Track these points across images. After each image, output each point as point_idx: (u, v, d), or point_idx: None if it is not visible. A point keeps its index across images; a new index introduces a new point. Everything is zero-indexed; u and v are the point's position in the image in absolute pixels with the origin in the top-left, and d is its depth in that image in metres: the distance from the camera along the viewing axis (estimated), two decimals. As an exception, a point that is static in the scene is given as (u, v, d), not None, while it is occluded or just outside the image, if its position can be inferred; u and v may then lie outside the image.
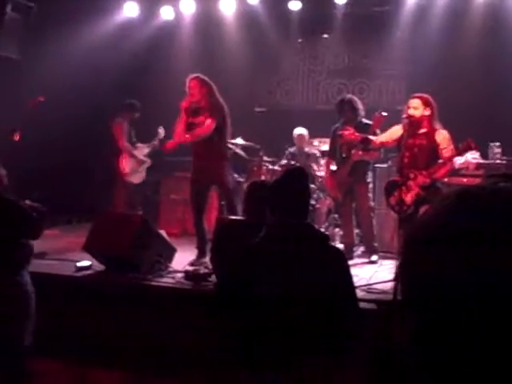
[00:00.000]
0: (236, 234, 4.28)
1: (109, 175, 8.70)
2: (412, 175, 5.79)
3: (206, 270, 5.58)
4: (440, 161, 5.78)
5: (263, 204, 4.16)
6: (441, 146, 5.78)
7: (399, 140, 5.98)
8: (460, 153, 5.74)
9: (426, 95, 5.90)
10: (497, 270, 0.67)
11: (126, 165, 8.19)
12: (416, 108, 5.80)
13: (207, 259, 6.07)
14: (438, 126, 5.87)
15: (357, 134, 6.40)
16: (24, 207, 4.12)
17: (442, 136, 5.80)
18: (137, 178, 8.32)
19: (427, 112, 5.82)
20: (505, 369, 0.67)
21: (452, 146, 5.75)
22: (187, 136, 6.42)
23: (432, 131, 5.83)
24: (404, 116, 5.89)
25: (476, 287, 0.68)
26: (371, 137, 6.38)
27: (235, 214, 6.29)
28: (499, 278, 0.67)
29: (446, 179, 6.13)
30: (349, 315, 2.91)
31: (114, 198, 8.18)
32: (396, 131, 6.08)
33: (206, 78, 6.55)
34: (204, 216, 6.70)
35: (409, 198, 5.77)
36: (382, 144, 6.36)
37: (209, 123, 6.37)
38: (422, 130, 5.86)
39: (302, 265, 2.80)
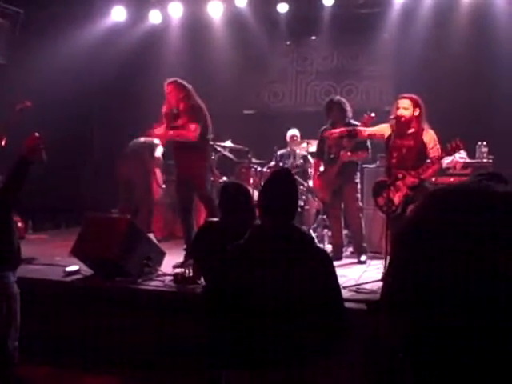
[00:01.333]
0: (215, 236, 4.29)
1: (96, 179, 8.70)
2: (400, 175, 5.80)
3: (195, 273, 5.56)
4: (428, 161, 5.80)
5: (235, 205, 4.19)
6: (428, 146, 5.79)
7: (387, 140, 6.00)
8: (449, 153, 5.75)
9: (415, 96, 5.91)
10: (480, 267, 0.68)
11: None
12: (406, 108, 5.80)
13: None
14: (425, 126, 5.88)
15: (342, 128, 6.43)
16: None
17: (430, 136, 5.81)
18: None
19: (416, 112, 5.82)
20: (494, 369, 0.68)
21: (439, 146, 5.77)
22: (170, 132, 6.49)
23: (420, 131, 5.84)
24: (392, 116, 5.90)
25: (460, 283, 0.69)
26: (360, 127, 6.39)
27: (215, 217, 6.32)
28: (482, 275, 0.68)
29: (433, 179, 6.15)
30: (335, 316, 2.91)
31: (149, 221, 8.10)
32: (384, 128, 6.08)
33: (183, 82, 6.58)
34: (192, 217, 6.72)
35: (397, 198, 5.78)
36: (370, 136, 6.35)
37: (194, 128, 6.39)
38: (411, 131, 5.87)
39: (288, 266, 2.80)
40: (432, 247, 0.72)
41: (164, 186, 8.41)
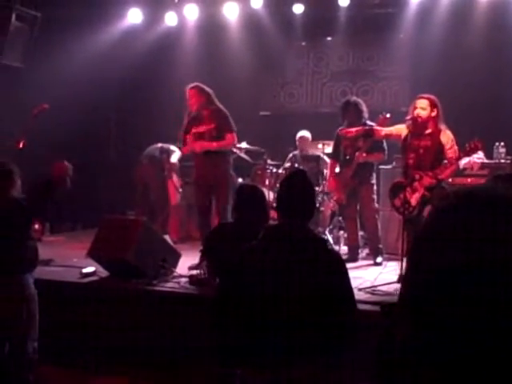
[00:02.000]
0: (227, 238, 4.30)
1: (113, 181, 8.74)
2: (417, 176, 5.77)
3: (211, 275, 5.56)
4: (445, 161, 5.76)
5: (249, 206, 4.20)
6: (446, 147, 5.76)
7: (403, 140, 5.97)
8: (467, 153, 5.71)
9: (432, 96, 5.89)
10: (495, 270, 0.68)
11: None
12: (424, 108, 5.79)
13: None
14: (442, 126, 5.85)
15: (360, 128, 6.41)
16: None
17: (447, 137, 5.79)
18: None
19: (434, 113, 5.80)
20: (502, 369, 0.68)
21: (456, 147, 5.74)
22: (214, 144, 6.51)
23: (437, 132, 5.82)
24: (409, 116, 5.87)
25: (475, 286, 0.69)
26: (376, 127, 6.37)
27: (225, 219, 6.46)
28: (498, 278, 0.68)
29: (450, 180, 6.11)
30: (347, 318, 2.90)
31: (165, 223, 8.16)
32: (401, 128, 6.07)
33: (205, 87, 6.61)
34: (210, 219, 6.74)
35: (414, 199, 5.75)
36: (386, 136, 6.35)
37: (232, 138, 6.58)
38: (428, 131, 5.84)
39: (300, 267, 2.80)
40: (450, 252, 0.72)
41: (181, 189, 8.44)
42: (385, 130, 6.27)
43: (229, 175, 6.75)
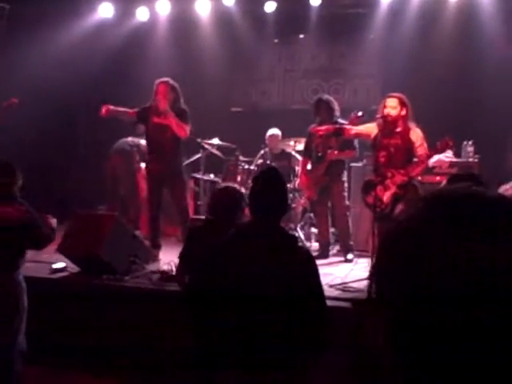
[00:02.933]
0: (203, 234, 4.30)
1: (83, 175, 8.65)
2: (389, 174, 5.84)
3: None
4: (415, 159, 5.84)
5: (230, 208, 4.20)
6: (416, 145, 5.83)
7: (374, 139, 6.03)
8: (438, 151, 5.80)
9: (402, 95, 5.95)
10: (466, 272, 0.69)
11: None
12: (393, 107, 5.84)
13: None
14: (412, 125, 5.93)
15: (330, 126, 6.46)
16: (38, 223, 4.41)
17: (416, 135, 5.86)
18: None
19: (403, 112, 5.86)
20: (481, 369, 0.69)
21: (426, 145, 5.82)
22: (170, 119, 6.48)
23: (407, 130, 5.88)
24: (379, 115, 5.93)
25: (446, 288, 0.70)
26: (346, 126, 6.42)
27: (185, 215, 6.70)
28: (469, 280, 0.69)
29: (420, 177, 6.19)
30: (317, 316, 2.91)
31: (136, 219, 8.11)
32: (371, 127, 6.12)
33: (175, 84, 6.68)
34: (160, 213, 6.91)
35: (386, 196, 5.82)
36: (356, 134, 6.39)
37: (187, 128, 6.57)
38: (397, 129, 5.90)
39: (269, 265, 2.80)
40: (423, 251, 0.72)
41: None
42: (355, 129, 6.31)
43: (182, 171, 6.88)
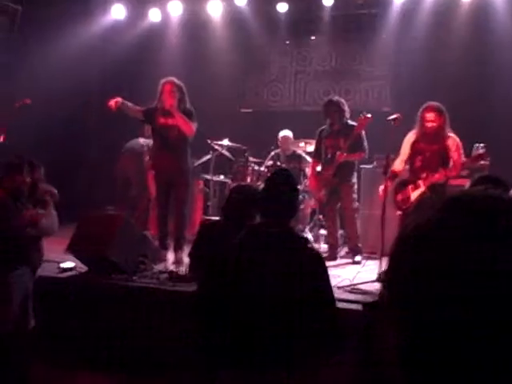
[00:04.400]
0: (216, 236, 4.28)
1: (93, 176, 8.68)
2: (424, 175, 5.96)
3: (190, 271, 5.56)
4: (451, 164, 5.91)
5: (244, 206, 4.18)
6: (451, 151, 5.92)
7: (412, 144, 6.12)
8: (473, 160, 5.85)
9: (438, 104, 6.00)
10: (485, 276, 0.69)
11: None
12: (432, 121, 5.93)
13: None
14: (449, 132, 6.00)
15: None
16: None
17: (452, 141, 5.94)
18: None
19: (441, 121, 5.95)
20: (492, 368, 0.68)
21: (461, 151, 5.87)
22: (177, 117, 6.42)
23: (444, 137, 5.96)
24: (393, 117, 5.99)
25: (461, 293, 0.69)
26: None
27: (182, 219, 6.63)
28: (488, 284, 0.68)
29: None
30: (326, 317, 2.91)
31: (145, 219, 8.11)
32: (409, 138, 6.16)
33: (180, 83, 6.62)
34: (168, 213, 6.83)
35: (414, 196, 5.88)
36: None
37: (194, 127, 6.50)
38: (436, 137, 5.98)
39: (279, 266, 2.80)
40: (440, 251, 0.72)
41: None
42: (397, 167, 6.24)
43: (189, 174, 6.77)
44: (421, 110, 6.03)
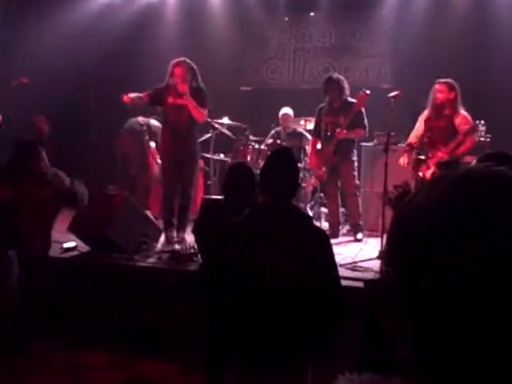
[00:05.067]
0: (217, 215, 4.28)
1: (93, 155, 8.66)
2: (430, 154, 6.03)
3: (192, 250, 5.57)
4: (456, 141, 5.92)
5: (243, 184, 4.18)
6: (460, 124, 5.98)
7: (424, 122, 6.24)
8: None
9: (450, 80, 6.11)
10: (489, 256, 0.69)
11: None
12: (441, 91, 6.04)
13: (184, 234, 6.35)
14: (460, 108, 6.06)
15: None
16: None
17: (462, 119, 6.00)
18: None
19: (451, 95, 6.02)
20: (496, 354, 0.69)
21: (471, 129, 5.88)
22: (188, 103, 6.32)
23: (453, 114, 6.03)
24: (393, 94, 6.05)
25: (465, 273, 0.69)
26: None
27: (186, 202, 6.52)
28: (495, 264, 0.69)
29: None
30: (332, 294, 2.91)
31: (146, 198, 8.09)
32: (423, 115, 6.25)
33: (191, 62, 6.49)
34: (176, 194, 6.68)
35: (428, 175, 5.96)
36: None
37: (205, 112, 6.47)
38: (445, 113, 6.05)
39: (285, 244, 2.80)
40: (442, 229, 0.72)
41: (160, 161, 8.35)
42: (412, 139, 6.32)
43: (197, 157, 6.74)
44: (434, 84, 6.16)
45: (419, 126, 6.29)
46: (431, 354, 0.74)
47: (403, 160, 6.21)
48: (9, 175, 4.97)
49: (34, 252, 5.20)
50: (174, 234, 6.51)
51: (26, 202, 4.89)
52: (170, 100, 6.43)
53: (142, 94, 6.54)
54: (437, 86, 6.09)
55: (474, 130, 5.84)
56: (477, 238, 0.70)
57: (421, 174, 6.06)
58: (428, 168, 6.00)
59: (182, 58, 6.49)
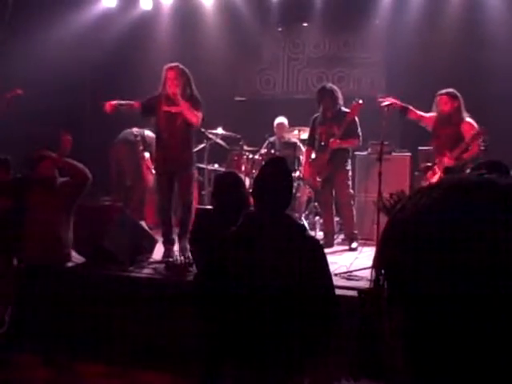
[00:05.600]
0: (211, 224, 4.29)
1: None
2: (437, 160, 6.11)
3: (187, 260, 5.57)
4: (461, 148, 5.97)
5: (231, 194, 4.19)
6: (466, 131, 6.03)
7: (432, 129, 6.32)
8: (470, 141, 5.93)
9: (450, 90, 6.19)
10: (481, 267, 0.69)
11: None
12: (445, 103, 6.13)
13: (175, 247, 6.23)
14: (465, 115, 6.15)
15: (397, 101, 6.37)
16: None
17: (469, 126, 6.05)
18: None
19: (455, 104, 6.12)
20: (492, 365, 0.69)
21: (475, 131, 5.92)
22: (181, 105, 6.15)
23: (460, 121, 6.12)
24: (385, 104, 6.14)
25: (457, 284, 0.70)
26: (411, 108, 6.45)
27: (188, 211, 6.28)
28: (485, 276, 0.69)
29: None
30: (326, 304, 2.92)
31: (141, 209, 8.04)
32: (433, 117, 6.33)
33: (185, 68, 6.38)
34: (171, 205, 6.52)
35: (434, 180, 5.91)
36: (420, 117, 6.42)
37: (199, 115, 6.24)
38: (451, 121, 6.13)
39: (279, 254, 2.81)
40: (433, 238, 0.72)
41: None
42: (419, 113, 6.43)
43: (192, 162, 6.57)
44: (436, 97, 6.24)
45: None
46: (427, 362, 0.74)
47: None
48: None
49: (34, 260, 5.27)
50: (175, 247, 6.30)
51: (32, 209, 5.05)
52: (165, 108, 6.24)
53: (132, 102, 6.44)
54: (439, 99, 6.18)
55: (479, 135, 5.86)
56: (464, 247, 0.70)
57: (423, 183, 6.08)
58: (434, 174, 6.07)
59: (176, 63, 6.38)
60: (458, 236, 0.71)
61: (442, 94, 6.19)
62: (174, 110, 6.21)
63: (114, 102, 6.36)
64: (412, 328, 0.75)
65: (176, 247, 6.29)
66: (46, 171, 5.22)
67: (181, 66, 6.36)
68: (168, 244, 6.30)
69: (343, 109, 6.85)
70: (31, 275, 5.21)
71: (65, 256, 5.56)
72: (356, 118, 6.76)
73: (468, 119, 6.12)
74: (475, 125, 6.02)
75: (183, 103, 6.15)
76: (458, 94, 6.15)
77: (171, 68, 6.31)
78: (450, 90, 6.19)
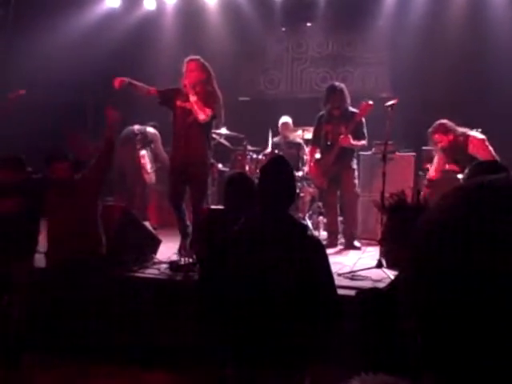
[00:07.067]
0: (216, 224, 4.28)
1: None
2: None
3: (191, 260, 5.56)
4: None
5: (241, 194, 4.18)
6: (475, 149, 5.79)
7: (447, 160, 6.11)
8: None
9: (436, 124, 5.93)
10: (497, 270, 0.68)
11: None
12: (440, 141, 5.90)
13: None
14: (465, 131, 5.92)
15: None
16: None
17: (475, 142, 5.83)
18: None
19: (450, 136, 5.87)
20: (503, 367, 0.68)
21: (487, 146, 5.77)
22: (191, 97, 5.90)
23: (465, 146, 5.86)
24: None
25: (476, 287, 0.69)
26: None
27: (199, 209, 5.96)
28: (502, 278, 0.68)
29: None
30: (327, 304, 2.91)
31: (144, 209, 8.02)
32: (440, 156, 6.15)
33: (206, 63, 6.19)
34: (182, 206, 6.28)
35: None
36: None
37: (207, 112, 5.94)
38: (453, 151, 5.92)
39: (280, 253, 2.80)
40: (456, 241, 0.71)
41: (152, 171, 8.28)
42: (432, 171, 6.27)
43: (207, 160, 6.20)
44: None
45: (437, 160, 6.17)
46: (445, 357, 0.73)
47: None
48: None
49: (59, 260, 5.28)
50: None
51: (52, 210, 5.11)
52: (179, 103, 6.04)
53: (149, 87, 6.24)
54: (432, 138, 5.97)
55: (485, 142, 5.81)
56: (486, 249, 0.69)
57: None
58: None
59: (197, 56, 6.21)
60: (478, 239, 0.69)
61: (432, 133, 5.94)
62: (187, 105, 5.98)
63: (125, 79, 6.14)
64: (427, 323, 0.75)
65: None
66: (62, 173, 5.10)
67: (201, 60, 6.16)
68: (184, 237, 6.14)
69: (351, 109, 6.81)
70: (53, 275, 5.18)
71: (94, 251, 5.30)
72: (363, 119, 6.72)
73: (472, 133, 5.91)
74: (478, 136, 5.85)
75: (192, 96, 5.90)
76: (448, 124, 5.89)
77: (191, 60, 6.13)
78: (436, 125, 5.92)
